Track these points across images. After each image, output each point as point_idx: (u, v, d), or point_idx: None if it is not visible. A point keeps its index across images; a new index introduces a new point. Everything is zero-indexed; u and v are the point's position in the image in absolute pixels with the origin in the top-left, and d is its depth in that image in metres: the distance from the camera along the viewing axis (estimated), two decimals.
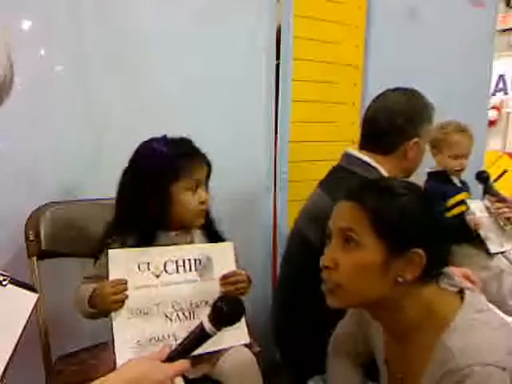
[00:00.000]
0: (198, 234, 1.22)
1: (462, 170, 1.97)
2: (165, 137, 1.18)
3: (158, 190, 1.12)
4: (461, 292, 0.87)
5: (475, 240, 1.83)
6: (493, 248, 1.81)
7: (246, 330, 1.05)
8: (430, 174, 1.97)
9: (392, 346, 0.94)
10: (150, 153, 1.15)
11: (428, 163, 1.77)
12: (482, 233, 1.81)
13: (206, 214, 1.21)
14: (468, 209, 1.85)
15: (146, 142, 1.17)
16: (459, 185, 1.99)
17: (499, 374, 0.73)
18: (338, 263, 0.85)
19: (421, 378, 0.83)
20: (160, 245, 1.12)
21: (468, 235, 1.82)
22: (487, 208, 1.89)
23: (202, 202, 1.16)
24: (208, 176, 1.20)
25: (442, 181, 1.95)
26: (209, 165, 1.20)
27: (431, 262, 0.83)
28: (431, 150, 1.95)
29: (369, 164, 1.38)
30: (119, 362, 0.94)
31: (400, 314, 0.86)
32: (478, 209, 1.87)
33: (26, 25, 1.32)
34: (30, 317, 0.77)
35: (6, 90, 0.77)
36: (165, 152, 1.13)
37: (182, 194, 1.13)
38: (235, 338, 1.03)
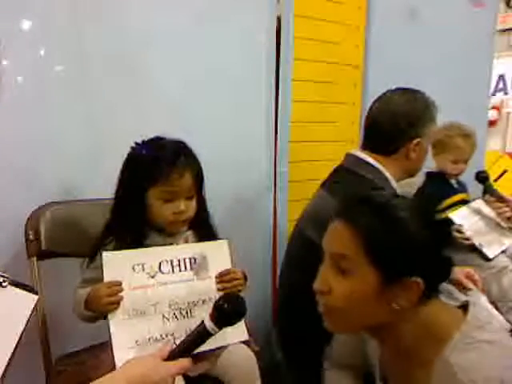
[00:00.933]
0: (190, 235, 1.21)
1: (459, 174, 1.96)
2: (153, 140, 1.16)
3: (132, 193, 1.13)
4: (463, 306, 0.84)
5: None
6: (491, 253, 1.77)
7: (244, 327, 1.05)
8: (428, 175, 1.97)
9: (391, 364, 0.92)
10: (131, 155, 1.15)
11: (427, 163, 1.76)
12: (476, 243, 1.77)
13: (199, 217, 1.20)
14: (453, 223, 1.79)
15: (136, 143, 1.17)
16: (456, 186, 1.99)
17: None
18: (331, 287, 0.83)
19: None
20: (154, 245, 1.12)
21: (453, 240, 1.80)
22: (477, 210, 1.86)
23: (177, 213, 1.13)
24: (197, 185, 1.17)
25: (439, 182, 1.95)
26: (198, 174, 1.16)
27: (430, 286, 0.79)
28: (431, 150, 1.94)
29: (371, 165, 1.38)
30: (118, 362, 0.94)
31: (398, 334, 0.84)
32: (465, 218, 1.81)
33: (26, 25, 1.32)
34: (29, 318, 0.77)
35: None
36: (141, 156, 1.13)
37: (154, 201, 1.12)
38: (234, 335, 1.03)
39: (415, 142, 1.38)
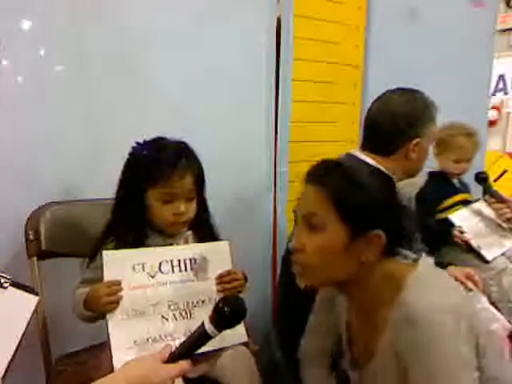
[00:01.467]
0: (190, 235, 1.20)
1: (461, 173, 1.96)
2: (154, 140, 1.16)
3: (133, 194, 1.13)
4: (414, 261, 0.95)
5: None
6: (489, 255, 1.76)
7: (243, 329, 1.05)
8: (430, 174, 1.96)
9: (357, 325, 1.00)
10: (132, 155, 1.15)
11: (430, 163, 1.76)
12: (474, 244, 1.76)
13: (199, 218, 1.19)
14: (453, 225, 1.79)
15: (137, 143, 1.17)
16: (458, 185, 1.98)
17: (453, 320, 0.80)
18: (304, 246, 0.90)
19: (381, 338, 0.89)
20: (154, 246, 1.12)
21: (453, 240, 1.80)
22: (478, 212, 1.85)
23: (177, 214, 1.12)
24: (198, 186, 1.16)
25: (441, 181, 1.95)
26: (199, 176, 1.16)
27: (390, 241, 0.89)
28: (433, 150, 1.93)
29: (370, 165, 1.38)
30: (116, 362, 0.94)
31: (364, 287, 0.92)
32: (465, 219, 1.80)
33: (26, 25, 1.32)
34: (30, 320, 0.77)
35: None
36: (142, 157, 1.12)
37: (153, 202, 1.12)
38: (234, 337, 1.03)
39: (414, 142, 1.38)
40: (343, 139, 2.12)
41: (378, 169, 0.99)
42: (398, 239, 0.93)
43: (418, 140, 1.38)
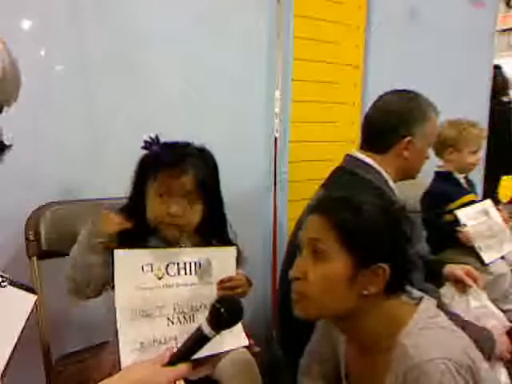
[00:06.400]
0: (194, 239, 1.18)
1: (477, 164, 1.96)
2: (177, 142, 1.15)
3: (136, 191, 1.13)
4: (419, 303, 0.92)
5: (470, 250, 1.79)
6: (487, 258, 1.76)
7: (243, 333, 1.05)
8: (437, 174, 1.96)
9: (355, 360, 0.98)
10: (142, 155, 1.14)
11: (432, 163, 1.75)
12: (476, 245, 1.76)
13: (205, 225, 1.16)
14: (458, 221, 1.79)
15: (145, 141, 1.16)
16: (465, 185, 1.96)
17: (453, 367, 0.78)
18: (306, 274, 0.89)
19: (384, 382, 0.86)
20: (159, 246, 1.11)
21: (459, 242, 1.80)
22: (485, 211, 1.84)
23: (171, 214, 1.09)
24: (202, 191, 1.12)
25: (450, 182, 1.94)
26: (203, 182, 1.12)
27: (395, 276, 0.87)
28: (445, 150, 1.93)
29: (369, 165, 1.39)
30: (122, 363, 0.94)
31: (363, 324, 0.90)
32: (470, 217, 1.80)
33: (26, 25, 1.32)
34: (28, 318, 0.77)
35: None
36: (149, 151, 1.11)
37: (151, 197, 1.10)
38: (233, 341, 1.03)
39: (407, 140, 1.38)
40: (343, 139, 2.12)
41: (387, 199, 0.97)
42: (402, 274, 0.91)
43: (410, 138, 1.37)
